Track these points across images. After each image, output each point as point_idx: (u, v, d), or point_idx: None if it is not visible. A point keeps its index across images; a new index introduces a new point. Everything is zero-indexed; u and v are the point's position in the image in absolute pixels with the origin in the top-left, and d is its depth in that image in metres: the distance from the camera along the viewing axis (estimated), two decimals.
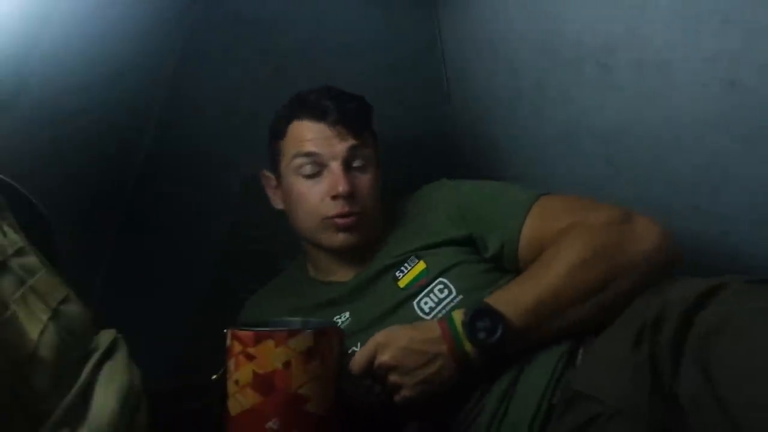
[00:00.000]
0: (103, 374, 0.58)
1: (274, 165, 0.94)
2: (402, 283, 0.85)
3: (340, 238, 0.88)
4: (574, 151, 1.00)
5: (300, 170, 0.89)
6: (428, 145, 1.37)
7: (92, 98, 0.97)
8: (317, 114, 0.89)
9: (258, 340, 0.66)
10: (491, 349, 0.69)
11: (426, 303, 0.82)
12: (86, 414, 0.54)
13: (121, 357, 0.62)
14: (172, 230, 1.17)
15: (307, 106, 0.91)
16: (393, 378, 0.70)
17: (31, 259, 0.59)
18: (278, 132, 0.93)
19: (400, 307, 0.83)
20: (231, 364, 0.67)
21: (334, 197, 0.86)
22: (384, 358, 0.69)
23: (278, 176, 0.94)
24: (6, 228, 0.59)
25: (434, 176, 1.37)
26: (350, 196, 0.86)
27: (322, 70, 1.28)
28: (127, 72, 1.06)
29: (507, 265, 0.84)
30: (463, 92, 1.33)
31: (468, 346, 0.69)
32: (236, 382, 0.66)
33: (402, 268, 0.87)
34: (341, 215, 0.87)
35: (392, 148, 1.32)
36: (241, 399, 0.66)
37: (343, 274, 0.92)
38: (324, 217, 0.87)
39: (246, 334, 0.66)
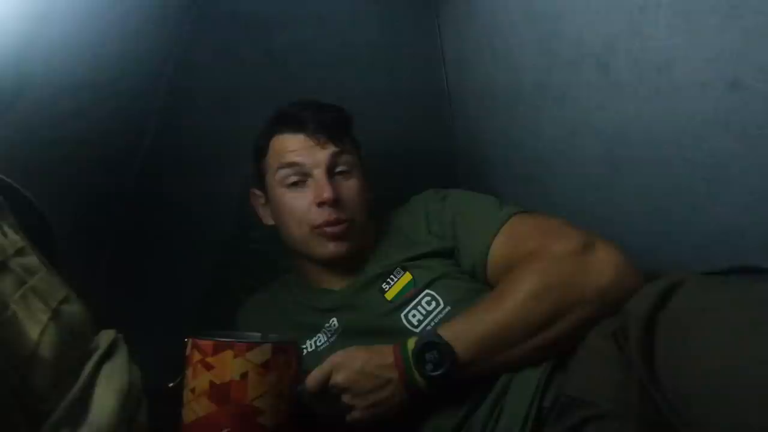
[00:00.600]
0: (103, 374, 0.58)
1: (261, 182, 0.96)
2: (389, 295, 0.86)
3: (330, 248, 0.89)
4: (574, 151, 1.00)
5: (285, 181, 0.90)
6: (428, 145, 1.37)
7: (92, 98, 0.97)
8: (296, 126, 0.91)
9: (217, 349, 0.66)
10: (437, 381, 0.70)
11: (414, 315, 0.83)
12: (86, 414, 0.54)
13: (121, 357, 0.62)
14: (172, 230, 1.17)
15: (285, 120, 0.93)
16: (346, 399, 0.71)
17: (31, 259, 0.59)
18: (261, 149, 0.95)
19: (387, 319, 0.84)
20: (189, 372, 0.68)
21: (320, 204, 0.87)
22: (338, 378, 0.71)
23: (266, 193, 0.96)
24: (6, 228, 0.59)
25: (434, 175, 1.37)
26: (336, 203, 0.87)
27: (322, 70, 1.28)
28: (127, 72, 1.06)
29: (480, 281, 0.85)
30: (463, 92, 1.33)
31: (417, 376, 0.71)
32: (192, 390, 0.66)
33: (389, 279, 0.88)
34: (329, 223, 0.87)
35: (392, 148, 1.33)
36: (195, 407, 0.66)
37: (334, 284, 0.93)
38: (313, 226, 0.88)
39: (206, 343, 0.67)
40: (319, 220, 0.87)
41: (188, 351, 0.68)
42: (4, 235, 0.58)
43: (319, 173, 0.89)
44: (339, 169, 0.91)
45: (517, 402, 0.71)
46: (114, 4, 0.99)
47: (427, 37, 1.37)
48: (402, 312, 0.83)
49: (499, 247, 0.83)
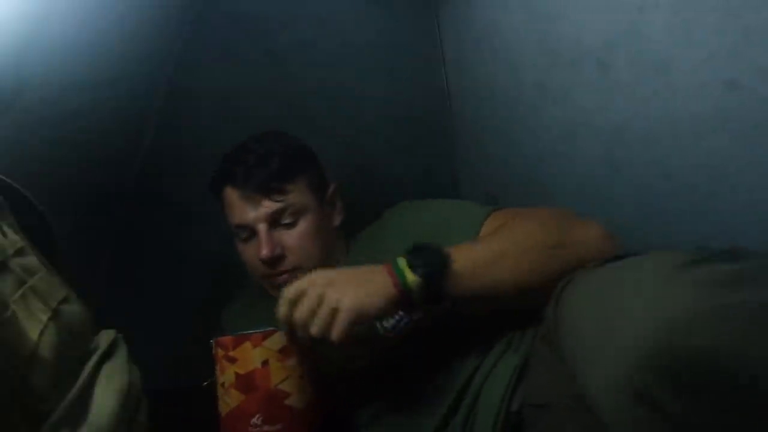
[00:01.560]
0: (103, 374, 0.58)
1: None
2: None
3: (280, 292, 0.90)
4: (574, 151, 1.00)
5: (237, 236, 0.93)
6: (428, 145, 1.37)
7: (92, 98, 0.97)
8: (235, 181, 0.91)
9: (237, 343, 0.71)
10: (430, 276, 0.67)
11: (387, 321, 0.82)
12: (86, 414, 0.54)
13: (121, 357, 0.62)
14: (172, 230, 1.18)
15: (226, 173, 0.92)
16: (331, 291, 0.66)
17: (31, 260, 0.59)
18: (218, 198, 0.95)
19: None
20: (217, 369, 0.72)
21: (261, 260, 0.88)
22: (321, 278, 0.68)
23: None
24: (6, 228, 0.59)
25: (434, 176, 1.37)
26: (276, 259, 0.88)
27: (322, 70, 1.28)
28: (127, 72, 1.06)
29: None
30: (463, 92, 1.33)
31: (408, 274, 0.67)
32: (222, 384, 0.71)
33: None
34: (272, 275, 0.90)
35: (392, 148, 1.33)
36: (227, 400, 0.70)
37: None
38: (261, 275, 0.91)
39: (226, 339, 0.72)
40: (263, 273, 0.90)
41: (214, 350, 0.73)
42: (4, 235, 0.58)
43: (260, 229, 0.89)
44: (283, 221, 0.90)
45: (488, 406, 0.72)
46: (114, 5, 0.99)
47: (427, 37, 1.36)
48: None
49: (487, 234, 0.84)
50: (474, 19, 1.22)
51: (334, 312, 0.65)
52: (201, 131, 1.22)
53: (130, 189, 1.17)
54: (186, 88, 1.22)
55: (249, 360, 0.69)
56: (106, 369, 0.60)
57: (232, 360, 0.70)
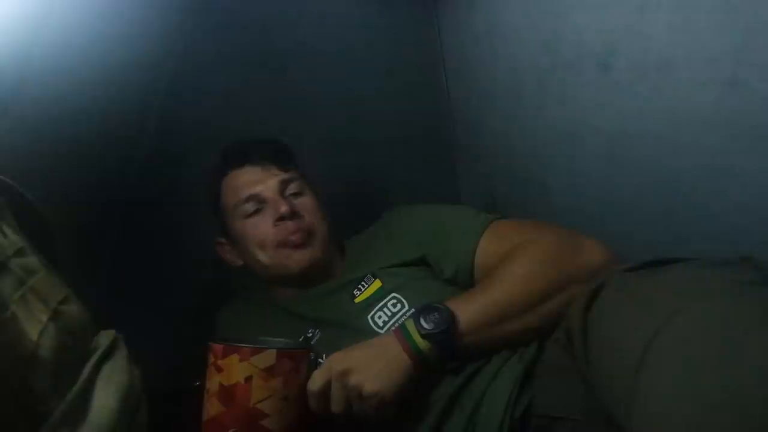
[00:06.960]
0: (103, 374, 0.58)
1: (224, 226, 0.99)
2: (358, 300, 0.88)
3: (296, 258, 0.91)
4: (574, 151, 1.00)
5: (244, 214, 0.94)
6: (428, 146, 1.37)
7: (92, 98, 0.97)
8: (241, 160, 0.96)
9: (225, 353, 0.69)
10: (439, 339, 0.71)
11: (380, 317, 0.84)
12: (86, 414, 0.54)
13: (120, 357, 0.62)
14: (172, 230, 1.17)
15: (229, 159, 0.98)
16: (353, 380, 0.70)
17: (31, 260, 0.59)
18: (215, 196, 0.99)
19: (356, 320, 0.85)
20: (207, 373, 0.71)
21: (279, 219, 0.90)
22: (339, 367, 0.71)
23: (228, 234, 0.98)
24: (6, 229, 0.59)
25: (434, 176, 1.37)
26: (293, 215, 0.91)
27: (322, 71, 1.28)
28: (127, 72, 1.06)
29: (460, 285, 0.86)
30: (463, 92, 1.33)
31: (418, 339, 0.71)
32: (207, 391, 0.70)
33: (359, 286, 0.89)
34: (291, 234, 0.90)
35: (392, 148, 1.33)
36: (209, 407, 0.69)
37: (306, 295, 0.94)
38: (277, 243, 0.91)
39: (217, 346, 0.70)
40: (281, 235, 0.90)
41: (208, 354, 0.72)
42: (4, 235, 0.58)
43: (272, 195, 0.92)
44: (291, 190, 0.94)
45: (490, 416, 0.71)
46: (114, 5, 0.99)
47: (427, 37, 1.37)
48: (368, 314, 0.85)
49: (486, 247, 0.84)
50: (474, 19, 1.22)
51: (362, 398, 0.69)
52: (201, 131, 1.22)
53: (131, 189, 1.17)
54: (186, 88, 1.22)
55: (233, 373, 0.68)
56: (106, 369, 0.59)
57: (219, 369, 0.69)
